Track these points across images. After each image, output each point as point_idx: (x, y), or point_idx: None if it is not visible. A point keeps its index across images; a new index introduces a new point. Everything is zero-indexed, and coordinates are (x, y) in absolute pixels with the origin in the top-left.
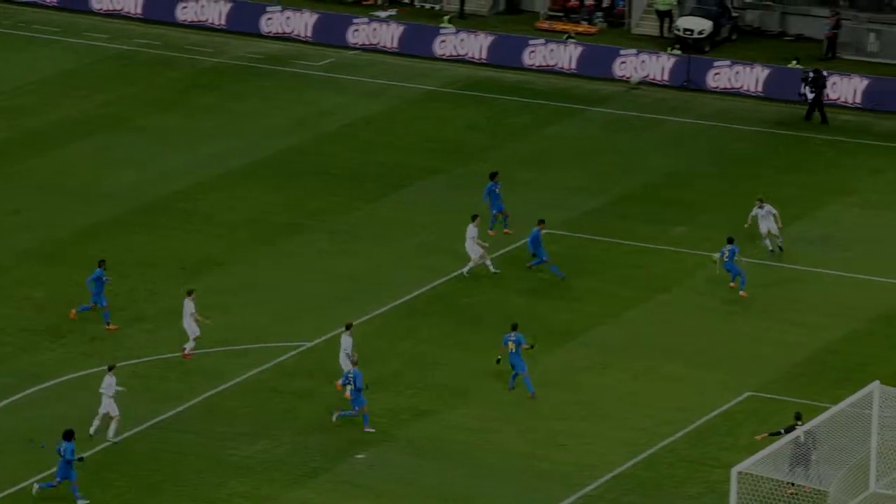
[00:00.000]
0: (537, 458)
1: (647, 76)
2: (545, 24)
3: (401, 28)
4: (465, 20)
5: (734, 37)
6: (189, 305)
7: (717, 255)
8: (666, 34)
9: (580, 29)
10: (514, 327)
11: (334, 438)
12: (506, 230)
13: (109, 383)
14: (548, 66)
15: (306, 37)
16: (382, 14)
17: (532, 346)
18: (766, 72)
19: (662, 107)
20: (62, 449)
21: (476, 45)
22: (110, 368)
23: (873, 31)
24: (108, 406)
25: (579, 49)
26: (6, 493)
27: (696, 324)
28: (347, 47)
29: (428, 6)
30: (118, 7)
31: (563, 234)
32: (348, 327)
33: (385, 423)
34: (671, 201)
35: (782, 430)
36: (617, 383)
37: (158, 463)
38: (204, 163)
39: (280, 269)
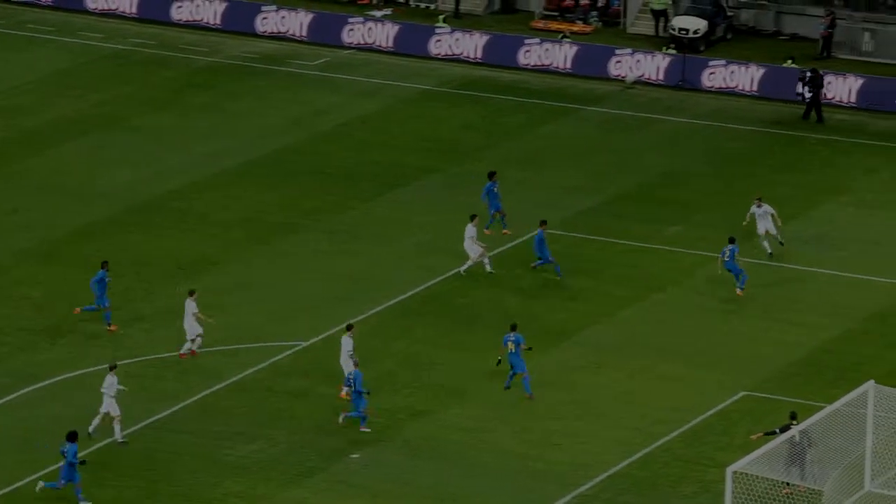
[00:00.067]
0: (532, 458)
1: (643, 76)
2: (540, 24)
3: (396, 27)
4: (460, 19)
5: (729, 36)
6: (191, 305)
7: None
8: (661, 33)
9: (575, 28)
10: (514, 327)
11: (330, 438)
12: (504, 230)
13: (111, 383)
14: (543, 65)
15: (301, 36)
16: (377, 13)
17: (530, 349)
18: (762, 71)
19: (657, 106)
20: (66, 450)
21: (471, 44)
22: (112, 368)
23: (868, 31)
24: (110, 406)
25: (574, 48)
26: (3, 492)
27: (692, 323)
28: (342, 47)
29: (423, 5)
30: (113, 6)
31: (559, 234)
32: (349, 328)
33: (380, 422)
34: (666, 201)
35: (777, 430)
36: (612, 383)
37: (154, 462)
38: (199, 162)
39: (275, 268)
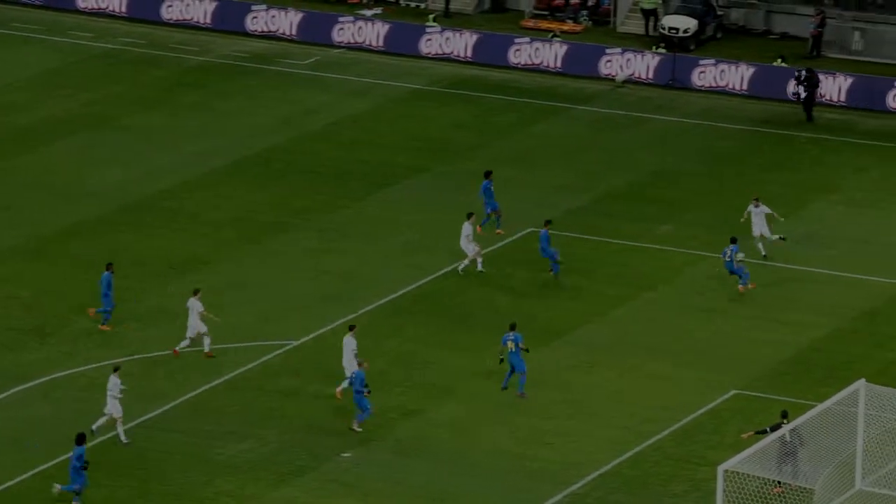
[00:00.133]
0: (524, 457)
1: (633, 75)
2: (530, 23)
3: (386, 27)
4: (451, 19)
5: (719, 35)
6: (196, 304)
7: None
8: (651, 33)
9: (565, 27)
10: (513, 327)
11: (321, 437)
12: (497, 230)
13: (115, 384)
14: (533, 64)
15: (291, 35)
16: (368, 13)
17: (527, 350)
18: (752, 70)
19: (648, 105)
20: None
21: (461, 43)
22: (115, 370)
23: (858, 30)
24: (113, 407)
25: (564, 47)
26: None
27: (683, 322)
28: (333, 46)
29: (413, 5)
30: (103, 6)
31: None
32: (351, 329)
33: (372, 421)
34: (657, 200)
35: (768, 429)
36: (603, 382)
37: (145, 461)
38: (189, 161)
39: (266, 267)
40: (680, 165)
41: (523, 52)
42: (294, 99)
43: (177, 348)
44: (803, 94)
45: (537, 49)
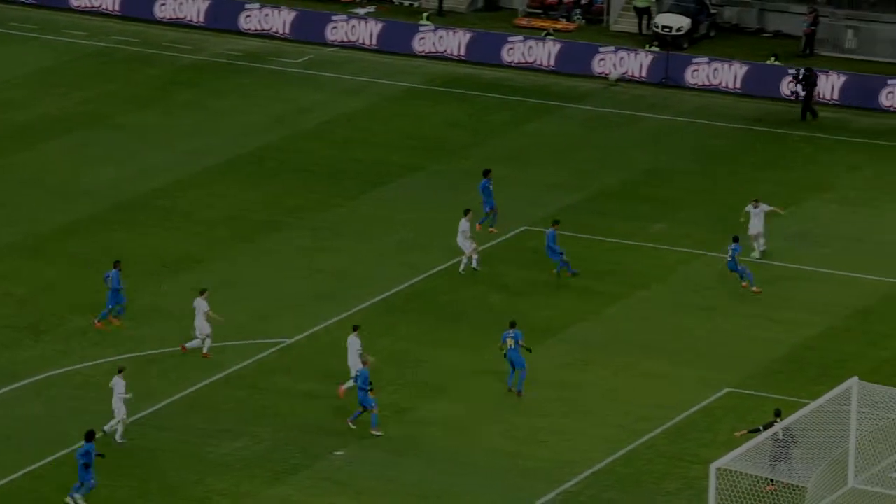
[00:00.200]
0: (517, 455)
1: (626, 73)
2: (524, 21)
3: (379, 25)
4: (444, 17)
5: (712, 34)
6: (202, 304)
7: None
8: (644, 31)
9: (559, 26)
10: (513, 324)
11: (314, 435)
12: (491, 228)
13: (120, 385)
14: (526, 63)
15: (285, 34)
16: (361, 11)
17: (529, 350)
18: (745, 68)
19: (641, 103)
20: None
21: (455, 42)
22: (120, 371)
23: (851, 28)
24: (116, 407)
25: (558, 46)
26: None
27: (676, 320)
28: (326, 44)
29: (406, 3)
30: (96, 4)
31: (542, 231)
32: (355, 329)
33: (365, 419)
34: (650, 198)
35: (761, 427)
36: (597, 380)
37: (138, 460)
38: (183, 160)
39: (259, 266)
40: (673, 164)
41: (517, 51)
42: (287, 97)
43: (186, 345)
44: (802, 94)
45: (531, 47)
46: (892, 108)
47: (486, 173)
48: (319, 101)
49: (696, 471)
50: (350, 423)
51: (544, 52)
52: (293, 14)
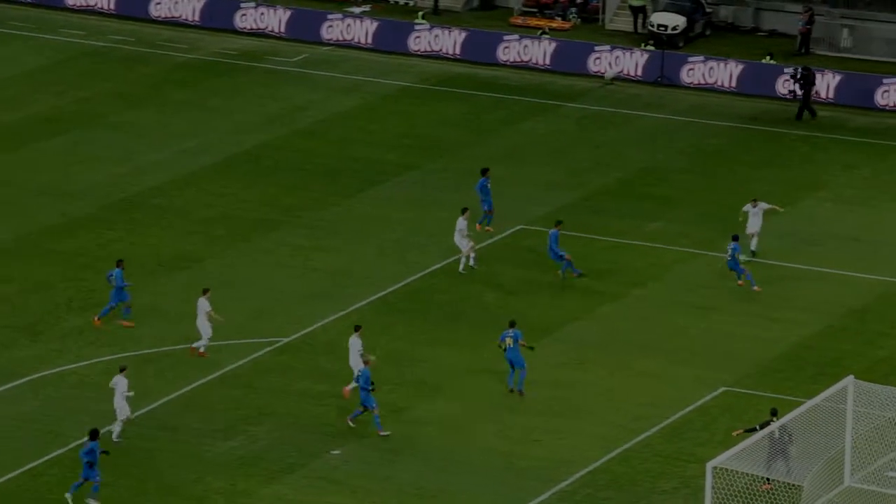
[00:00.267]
0: (513, 454)
1: (622, 72)
2: (519, 20)
3: (375, 24)
4: (439, 16)
5: (708, 32)
6: (204, 304)
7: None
8: (640, 30)
9: (554, 25)
10: (512, 324)
11: (310, 434)
12: (487, 227)
13: (121, 384)
14: (522, 61)
15: (280, 33)
16: (356, 10)
17: (531, 348)
18: (740, 67)
19: (637, 102)
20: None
21: (450, 41)
22: (122, 370)
23: (846, 27)
24: (119, 405)
25: (553, 45)
26: None
27: (672, 319)
28: (321, 43)
29: (402, 2)
30: (92, 3)
31: (538, 230)
32: (357, 329)
33: (361, 419)
34: (646, 197)
35: (758, 426)
36: (593, 379)
37: (134, 459)
38: (178, 159)
39: (255, 265)
40: (669, 163)
41: (512, 50)
42: (283, 96)
43: (194, 346)
44: (799, 93)
45: (526, 46)
46: (887, 107)
47: (485, 172)
48: (315, 100)
49: (692, 470)
50: (350, 422)
51: (540, 51)
52: (288, 13)
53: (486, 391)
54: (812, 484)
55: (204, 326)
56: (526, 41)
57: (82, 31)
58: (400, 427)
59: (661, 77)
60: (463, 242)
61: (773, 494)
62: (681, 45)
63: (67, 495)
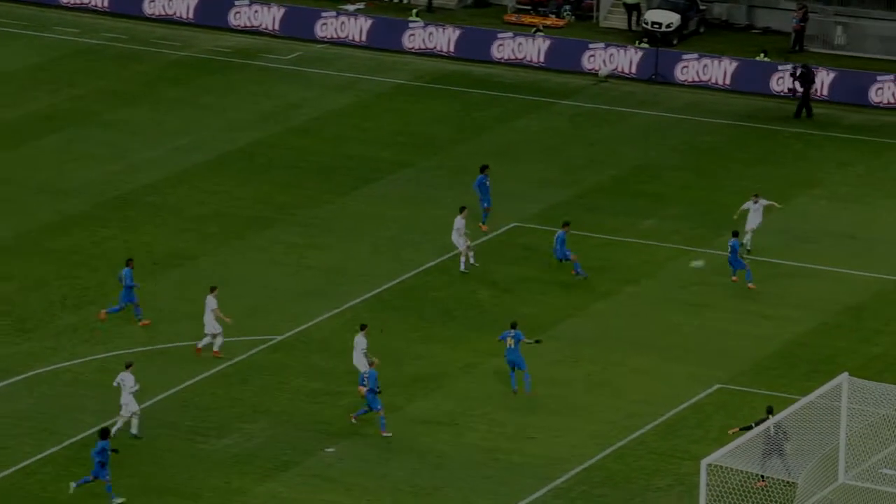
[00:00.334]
0: (508, 451)
1: (616, 69)
2: (513, 18)
3: (369, 21)
4: (433, 14)
5: (702, 30)
6: (211, 301)
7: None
8: (634, 27)
9: (548, 22)
10: (514, 325)
11: (305, 432)
12: (482, 226)
13: (128, 381)
14: (516, 59)
15: (274, 30)
16: (350, 7)
17: (538, 342)
18: (734, 65)
19: (631, 100)
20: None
21: (444, 38)
22: (128, 366)
23: (840, 25)
24: (126, 403)
25: (547, 42)
26: None
27: (666, 316)
28: (315, 41)
29: (396, 0)
30: (86, 1)
31: (532, 227)
32: (363, 328)
33: (365, 419)
34: (640, 194)
35: (753, 424)
36: (587, 376)
37: (128, 457)
38: (172, 156)
39: (249, 262)
40: (663, 160)
41: (506, 47)
42: (277, 94)
43: (199, 346)
44: (799, 90)
45: (520, 44)
46: (881, 105)
47: (484, 169)
48: (309, 98)
49: (686, 467)
50: (353, 419)
51: (534, 49)
52: (282, 10)
53: (480, 388)
54: (806, 481)
55: (211, 324)
56: (520, 39)
57: (76, 28)
58: (395, 424)
59: (656, 74)
60: (460, 241)
61: (768, 491)
62: (675, 42)
63: (73, 484)
